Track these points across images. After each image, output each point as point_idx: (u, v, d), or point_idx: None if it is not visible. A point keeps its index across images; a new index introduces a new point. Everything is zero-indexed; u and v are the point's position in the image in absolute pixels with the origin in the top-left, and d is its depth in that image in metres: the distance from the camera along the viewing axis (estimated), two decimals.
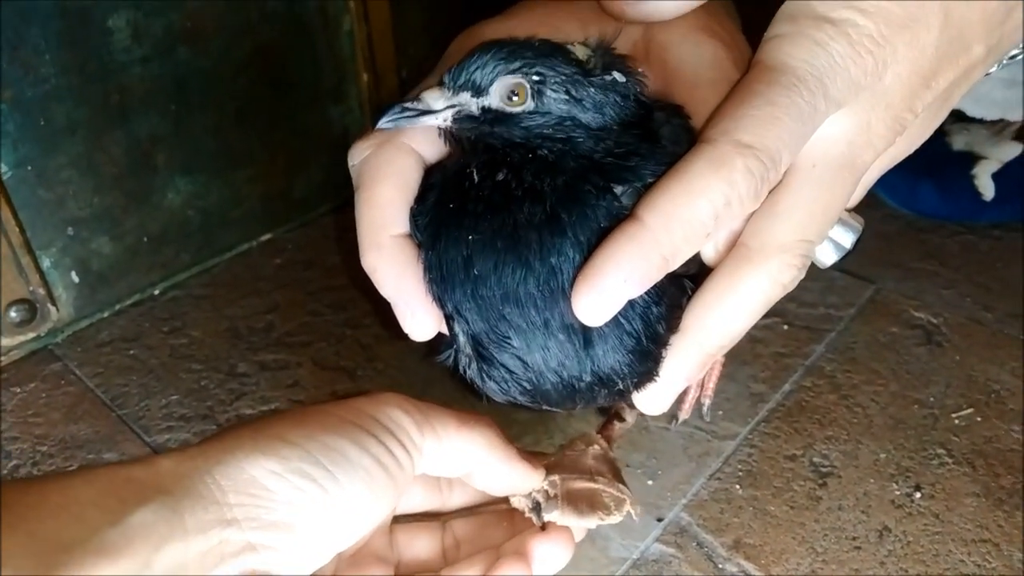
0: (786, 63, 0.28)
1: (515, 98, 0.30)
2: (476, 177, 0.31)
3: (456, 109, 0.31)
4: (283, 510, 0.30)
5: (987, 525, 0.48)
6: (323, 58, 0.74)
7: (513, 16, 0.36)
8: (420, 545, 0.40)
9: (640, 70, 0.33)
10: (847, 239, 0.35)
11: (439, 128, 0.32)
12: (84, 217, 0.64)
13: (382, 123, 0.31)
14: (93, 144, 0.63)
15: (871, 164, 0.31)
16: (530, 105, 0.30)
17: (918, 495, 0.50)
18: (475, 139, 0.31)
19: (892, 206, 0.75)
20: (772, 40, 0.29)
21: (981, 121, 0.74)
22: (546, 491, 0.39)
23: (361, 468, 0.32)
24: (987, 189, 0.72)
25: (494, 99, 0.31)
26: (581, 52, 0.32)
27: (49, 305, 0.64)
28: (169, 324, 0.67)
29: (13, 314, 0.62)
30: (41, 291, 0.64)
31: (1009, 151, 0.73)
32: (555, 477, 0.40)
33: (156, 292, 0.70)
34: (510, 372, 0.31)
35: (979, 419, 0.55)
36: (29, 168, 0.60)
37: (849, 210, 0.35)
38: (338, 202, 0.80)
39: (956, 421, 0.55)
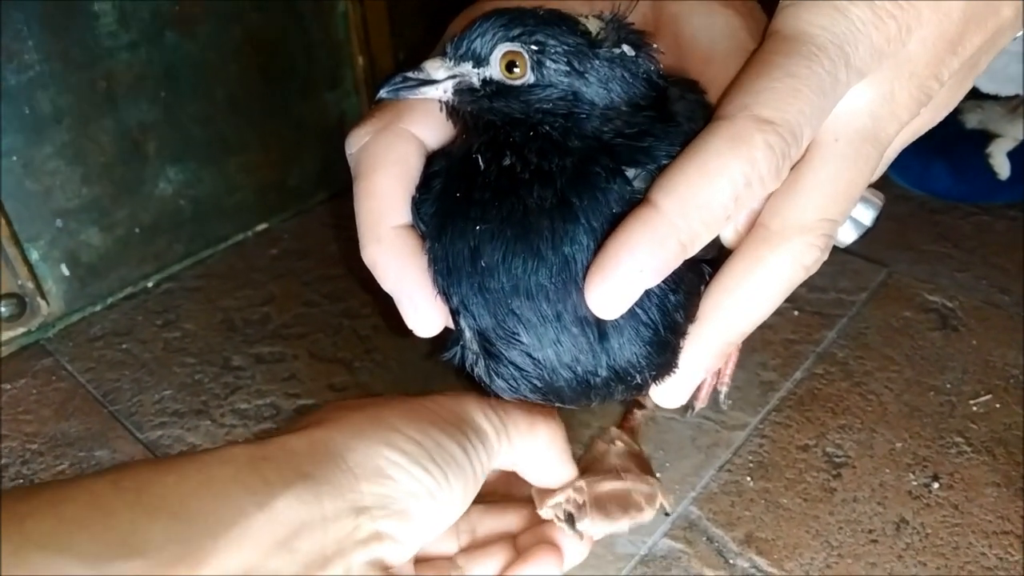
0: (805, 31, 0.26)
1: (515, 70, 0.29)
2: (482, 163, 0.29)
3: (457, 80, 0.29)
4: (406, 502, 0.31)
5: (1008, 516, 0.46)
6: (317, 42, 0.72)
7: None
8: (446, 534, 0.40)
9: (655, 46, 0.31)
10: (867, 216, 0.33)
11: (440, 101, 0.30)
12: (73, 208, 0.63)
13: (383, 92, 0.29)
14: (80, 133, 0.61)
15: (895, 136, 0.29)
16: (530, 77, 0.29)
17: (936, 485, 0.48)
18: (476, 114, 0.30)
19: (904, 187, 0.73)
20: (789, 7, 0.27)
21: (995, 98, 0.72)
22: (575, 499, 0.38)
23: (462, 469, 0.33)
24: (1002, 168, 0.70)
25: (494, 70, 0.29)
26: (593, 25, 0.30)
27: (39, 299, 0.63)
28: (162, 317, 0.65)
29: (2, 309, 0.61)
30: (30, 285, 0.62)
31: None
32: (581, 482, 0.39)
33: (149, 284, 0.68)
34: (520, 369, 0.29)
35: (998, 405, 0.53)
36: (14, 158, 0.59)
37: (868, 185, 0.33)
38: (334, 190, 0.78)
39: (974, 408, 0.53)
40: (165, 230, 0.68)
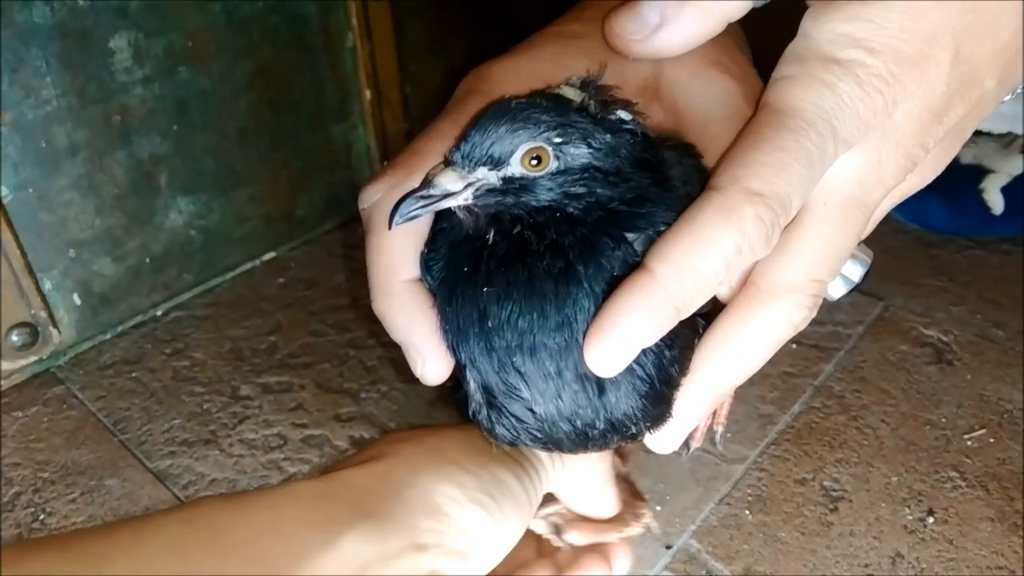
0: (794, 106, 0.28)
1: (538, 163, 0.29)
2: (491, 239, 0.30)
3: (476, 186, 0.30)
4: (461, 538, 0.32)
5: (1002, 551, 0.47)
6: (325, 76, 0.74)
7: (521, 55, 0.36)
8: None
9: (633, 101, 0.32)
10: (856, 272, 0.34)
11: (457, 207, 0.30)
12: (86, 239, 0.64)
13: (398, 220, 0.29)
14: (94, 165, 0.63)
15: (882, 201, 0.30)
16: (553, 166, 0.30)
17: (931, 520, 0.49)
18: (498, 213, 0.30)
19: (900, 220, 0.74)
20: (780, 81, 0.29)
21: (989, 134, 0.74)
22: (563, 513, 0.39)
23: (517, 501, 0.34)
24: (996, 203, 0.71)
25: (515, 168, 0.30)
26: (573, 95, 0.31)
27: (51, 328, 0.64)
28: (171, 346, 0.67)
29: (15, 337, 0.62)
30: (43, 314, 0.63)
31: (1018, 164, 0.72)
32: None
33: (158, 313, 0.70)
34: (520, 421, 0.31)
35: (992, 440, 0.54)
36: (30, 190, 0.60)
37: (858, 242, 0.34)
38: (341, 220, 0.79)
39: (968, 443, 0.54)
40: (175, 260, 0.70)
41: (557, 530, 0.39)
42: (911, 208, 0.74)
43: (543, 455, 0.36)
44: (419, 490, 0.32)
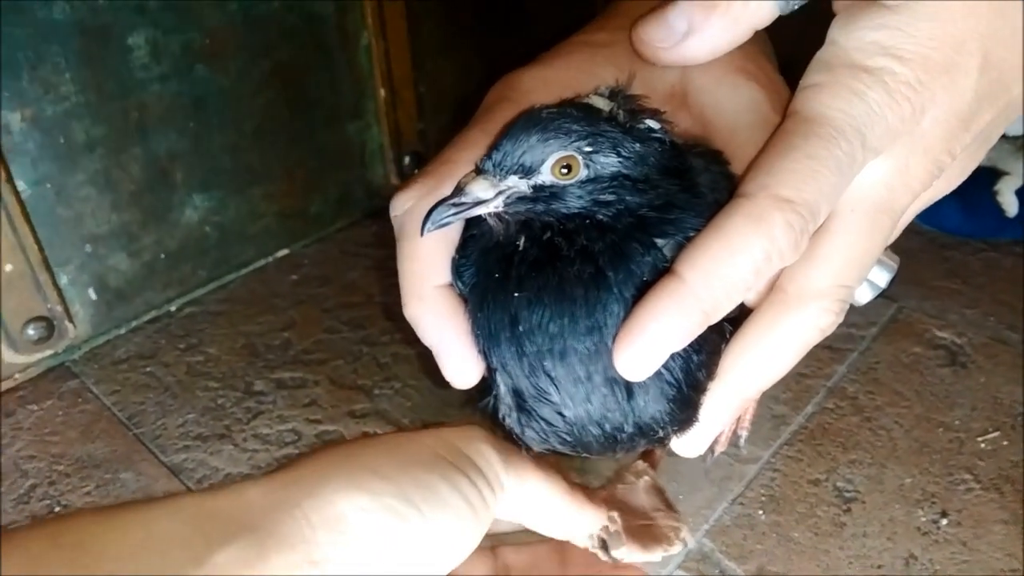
0: (823, 114, 0.28)
1: (568, 172, 0.30)
2: (522, 245, 0.30)
3: (507, 194, 0.30)
4: (369, 550, 0.29)
5: (1016, 554, 0.47)
6: (341, 75, 0.74)
7: (549, 64, 0.36)
8: (476, 571, 0.39)
9: (661, 110, 0.32)
10: (883, 278, 0.34)
11: (488, 214, 0.31)
12: (102, 234, 0.65)
13: (430, 226, 0.29)
14: (111, 161, 0.63)
15: (909, 206, 0.30)
16: (583, 174, 0.30)
17: (945, 522, 0.49)
18: (529, 219, 0.30)
19: (914, 222, 0.74)
20: (808, 89, 0.29)
21: (1004, 136, 0.73)
22: (607, 527, 0.39)
23: (450, 507, 0.31)
24: (1010, 206, 0.71)
25: (545, 176, 0.30)
26: (602, 104, 0.31)
27: (66, 322, 0.64)
28: (186, 341, 0.67)
29: (31, 331, 0.62)
30: (59, 308, 0.64)
31: None
32: (614, 513, 0.40)
33: (173, 308, 0.70)
34: (550, 425, 0.31)
35: (1006, 443, 0.54)
36: (48, 186, 0.61)
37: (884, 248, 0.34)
38: (353, 218, 0.80)
39: (982, 445, 0.54)
40: (190, 256, 0.70)
41: (605, 545, 0.39)
42: (926, 210, 0.74)
43: (496, 463, 0.33)
44: (318, 500, 0.29)
